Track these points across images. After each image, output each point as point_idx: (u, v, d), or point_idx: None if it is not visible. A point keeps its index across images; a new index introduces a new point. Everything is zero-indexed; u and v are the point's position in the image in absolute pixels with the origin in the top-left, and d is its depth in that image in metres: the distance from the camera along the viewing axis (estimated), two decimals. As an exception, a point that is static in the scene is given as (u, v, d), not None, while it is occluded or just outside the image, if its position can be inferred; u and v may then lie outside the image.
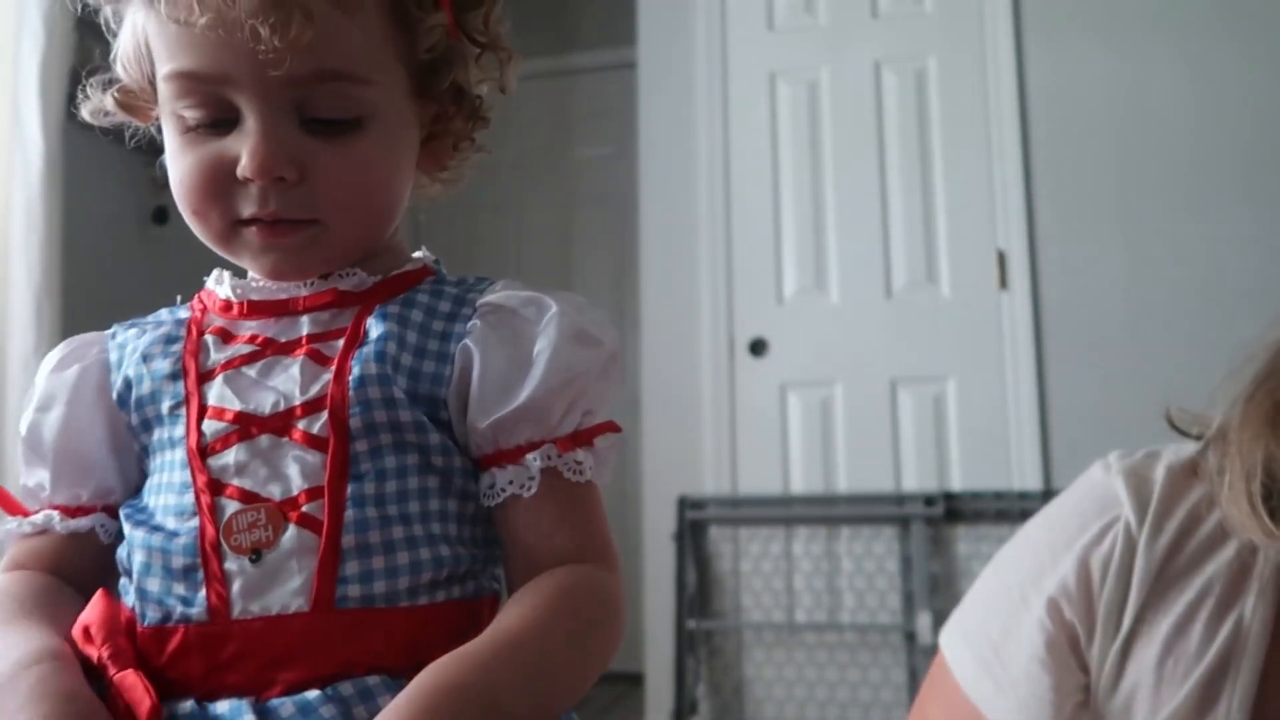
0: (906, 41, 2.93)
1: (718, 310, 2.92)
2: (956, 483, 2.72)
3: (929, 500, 2.63)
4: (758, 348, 2.88)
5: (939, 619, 2.48)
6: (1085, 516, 0.63)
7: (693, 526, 2.75)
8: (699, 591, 2.74)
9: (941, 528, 2.64)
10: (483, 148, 0.67)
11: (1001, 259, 2.77)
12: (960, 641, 0.66)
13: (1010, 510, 2.56)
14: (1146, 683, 0.58)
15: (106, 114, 0.62)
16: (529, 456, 0.56)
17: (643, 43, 3.13)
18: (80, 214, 2.33)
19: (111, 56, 0.61)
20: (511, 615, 0.53)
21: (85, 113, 0.63)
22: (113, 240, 2.65)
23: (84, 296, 2.33)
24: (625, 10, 3.24)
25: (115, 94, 0.62)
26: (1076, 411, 2.65)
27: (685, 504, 2.74)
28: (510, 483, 0.56)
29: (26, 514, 0.60)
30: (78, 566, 0.59)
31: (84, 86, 0.62)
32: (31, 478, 0.60)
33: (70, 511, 0.59)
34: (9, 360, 2.12)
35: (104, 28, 0.61)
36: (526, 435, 0.57)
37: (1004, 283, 2.76)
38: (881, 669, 2.63)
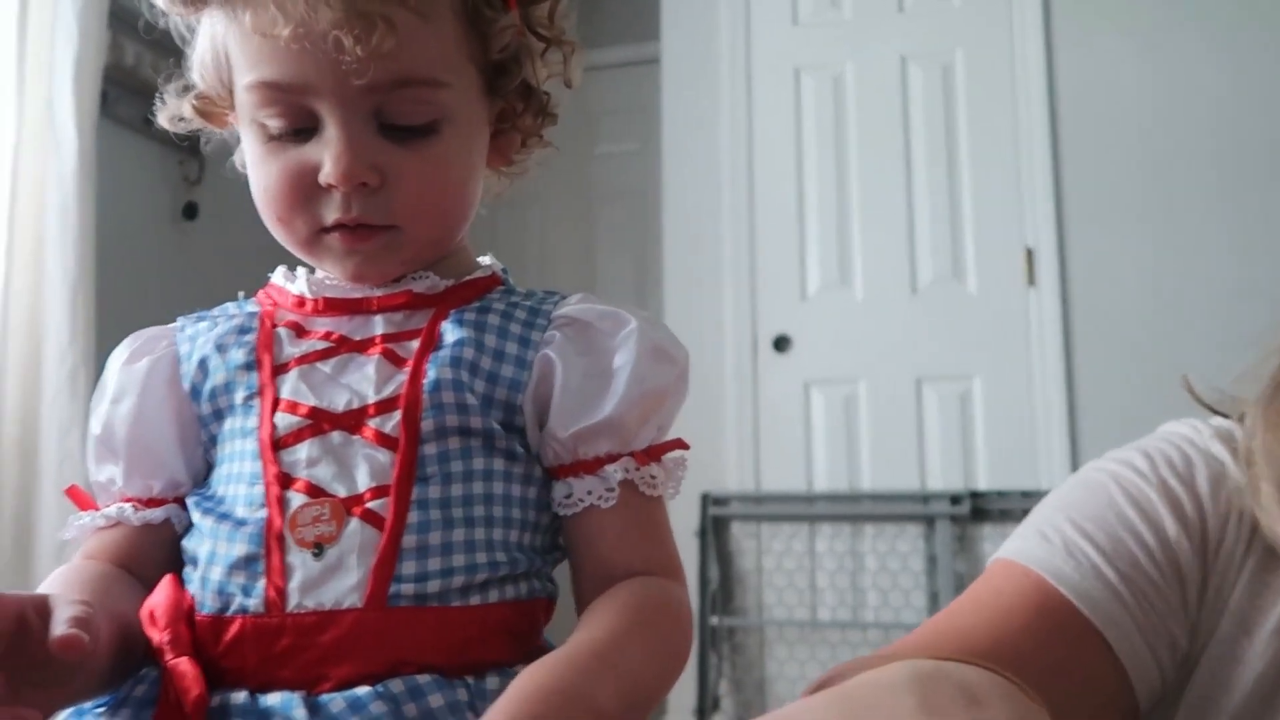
0: (933, 35, 2.91)
1: (740, 306, 2.92)
2: (982, 481, 2.70)
3: (954, 499, 2.61)
4: (781, 344, 2.88)
5: (963, 617, 2.47)
6: (1177, 458, 0.60)
7: (715, 523, 2.75)
8: (722, 588, 2.74)
9: (967, 527, 2.63)
10: (549, 143, 0.68)
11: (1030, 255, 2.74)
12: (1025, 533, 0.61)
13: (1036, 509, 2.54)
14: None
15: (182, 120, 0.63)
16: (608, 468, 0.58)
17: (666, 38, 3.13)
18: (113, 210, 2.36)
19: (188, 64, 0.62)
20: (595, 625, 0.54)
21: (162, 119, 0.64)
22: (144, 235, 2.68)
23: (117, 290, 2.36)
24: (649, 5, 3.24)
25: (193, 101, 0.63)
26: (1106, 409, 2.62)
27: (708, 500, 2.74)
28: (589, 493, 0.58)
29: (98, 509, 0.61)
30: (151, 557, 0.59)
31: (160, 94, 0.63)
32: (102, 473, 0.61)
33: (143, 503, 0.60)
34: (45, 353, 2.15)
35: (175, 36, 0.62)
36: (605, 448, 0.58)
37: (1032, 279, 2.74)
38: (905, 667, 2.62)
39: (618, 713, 0.49)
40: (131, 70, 2.51)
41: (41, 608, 0.47)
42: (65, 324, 2.14)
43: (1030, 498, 2.57)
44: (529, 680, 0.48)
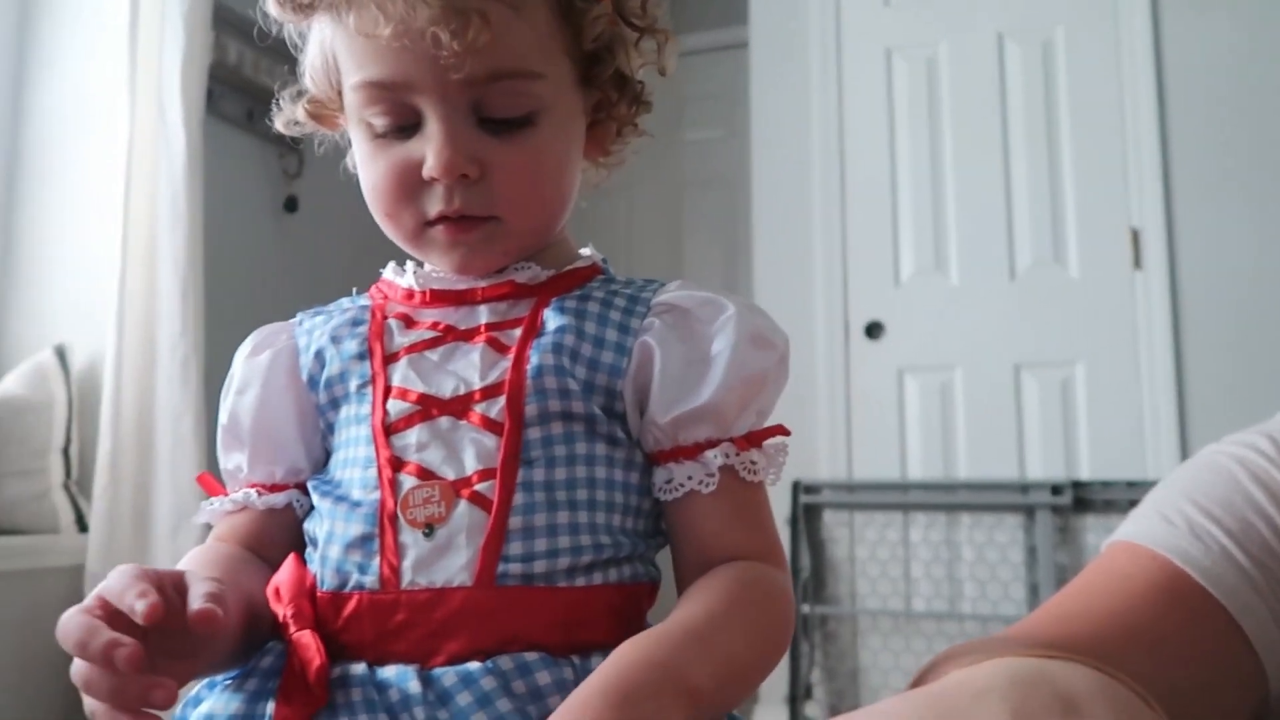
0: (1032, 11, 2.81)
1: (832, 293, 2.88)
2: (1085, 471, 2.62)
3: (1056, 489, 2.53)
4: (874, 331, 2.83)
5: (1064, 611, 2.40)
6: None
7: (807, 511, 2.73)
8: (813, 576, 2.72)
9: (1069, 517, 2.55)
10: (645, 131, 0.69)
11: (1135, 237, 2.64)
12: (1144, 515, 0.59)
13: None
14: None
15: (297, 124, 0.66)
16: (708, 454, 0.58)
17: (755, 21, 3.10)
18: (219, 204, 2.45)
19: (300, 70, 0.65)
20: (694, 605, 0.54)
21: (279, 124, 0.67)
22: (248, 228, 2.78)
23: (223, 282, 2.45)
24: (738, -10, 3.21)
25: (305, 105, 0.65)
26: (1217, 396, 2.51)
27: (799, 488, 2.72)
28: (689, 478, 0.58)
29: (227, 495, 0.64)
30: (275, 540, 0.63)
31: (277, 100, 0.66)
32: (230, 461, 0.65)
33: (267, 488, 0.63)
34: (158, 344, 2.25)
35: (289, 44, 0.65)
36: (705, 433, 0.58)
37: (1138, 262, 2.63)
38: (1003, 660, 2.56)
39: (710, 691, 0.50)
40: (234, 68, 2.60)
41: (178, 584, 0.50)
42: (177, 316, 2.23)
43: (1136, 488, 2.48)
44: (625, 654, 0.49)
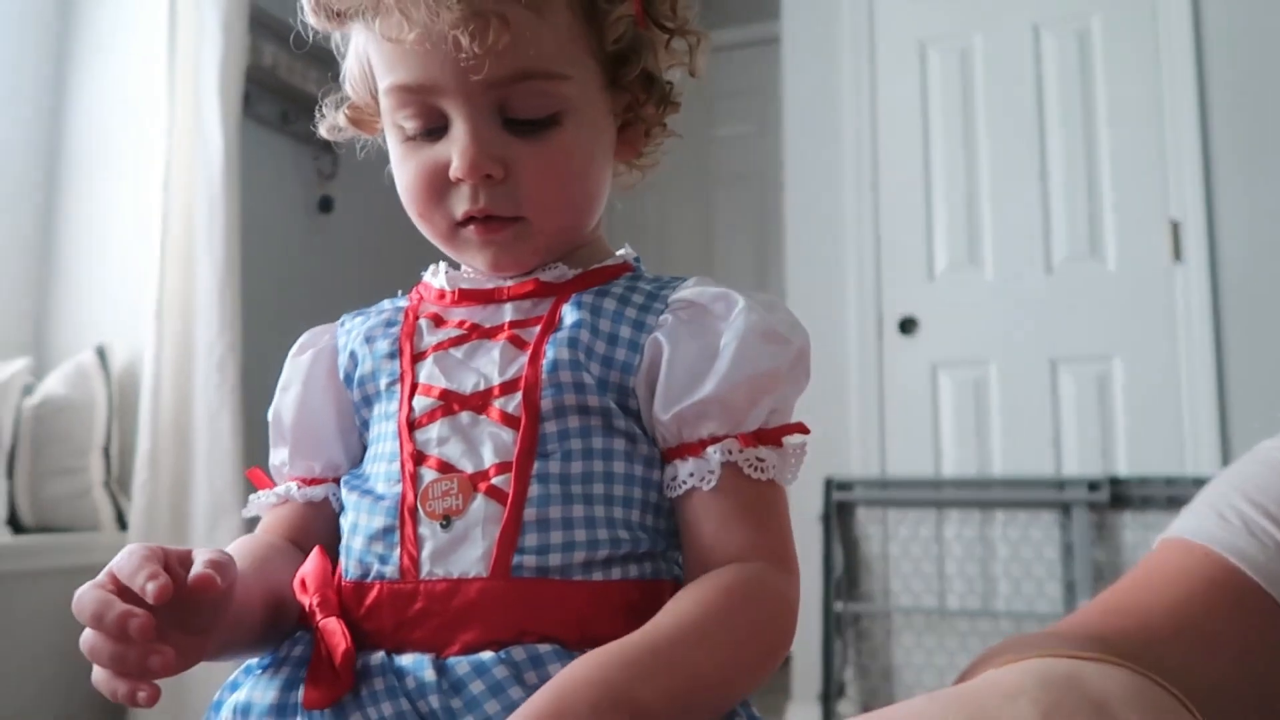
0: (1067, 0, 2.77)
1: (865, 288, 2.86)
2: (1123, 467, 2.58)
3: (1093, 485, 2.50)
4: (907, 326, 2.81)
5: (1103, 609, 2.37)
6: None
7: (840, 508, 2.71)
8: (846, 574, 2.70)
9: (1106, 514, 2.51)
10: (674, 132, 0.69)
11: (1175, 229, 2.59)
12: (1198, 511, 0.59)
13: (1183, 497, 2.40)
14: None
15: (340, 130, 0.68)
16: (710, 450, 0.57)
17: (786, 16, 3.08)
18: (255, 204, 2.48)
19: (341, 77, 0.67)
20: (668, 612, 0.53)
21: (322, 130, 0.69)
22: (283, 229, 2.81)
23: (259, 282, 2.48)
24: (769, -16, 3.19)
25: (346, 111, 0.67)
26: (1258, 391, 2.46)
27: (832, 485, 2.71)
28: (691, 475, 0.58)
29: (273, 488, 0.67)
30: (314, 532, 0.65)
31: (320, 106, 0.68)
32: (276, 456, 0.67)
33: (306, 482, 0.66)
34: (196, 342, 2.29)
35: (334, 52, 0.67)
36: (710, 429, 0.58)
37: (1178, 254, 2.59)
38: (1040, 659, 2.53)
39: (663, 712, 0.48)
40: (270, 71, 2.63)
41: (184, 559, 0.52)
42: (214, 316, 2.27)
43: (1175, 484, 2.44)
44: (570, 672, 0.49)
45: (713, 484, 0.57)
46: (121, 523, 2.25)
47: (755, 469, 0.57)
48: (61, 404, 2.23)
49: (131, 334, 2.36)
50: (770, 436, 0.58)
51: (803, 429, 0.60)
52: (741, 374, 0.57)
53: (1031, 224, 2.73)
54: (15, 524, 2.18)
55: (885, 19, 2.94)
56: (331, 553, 0.61)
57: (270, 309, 2.51)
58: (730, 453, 0.57)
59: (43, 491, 2.21)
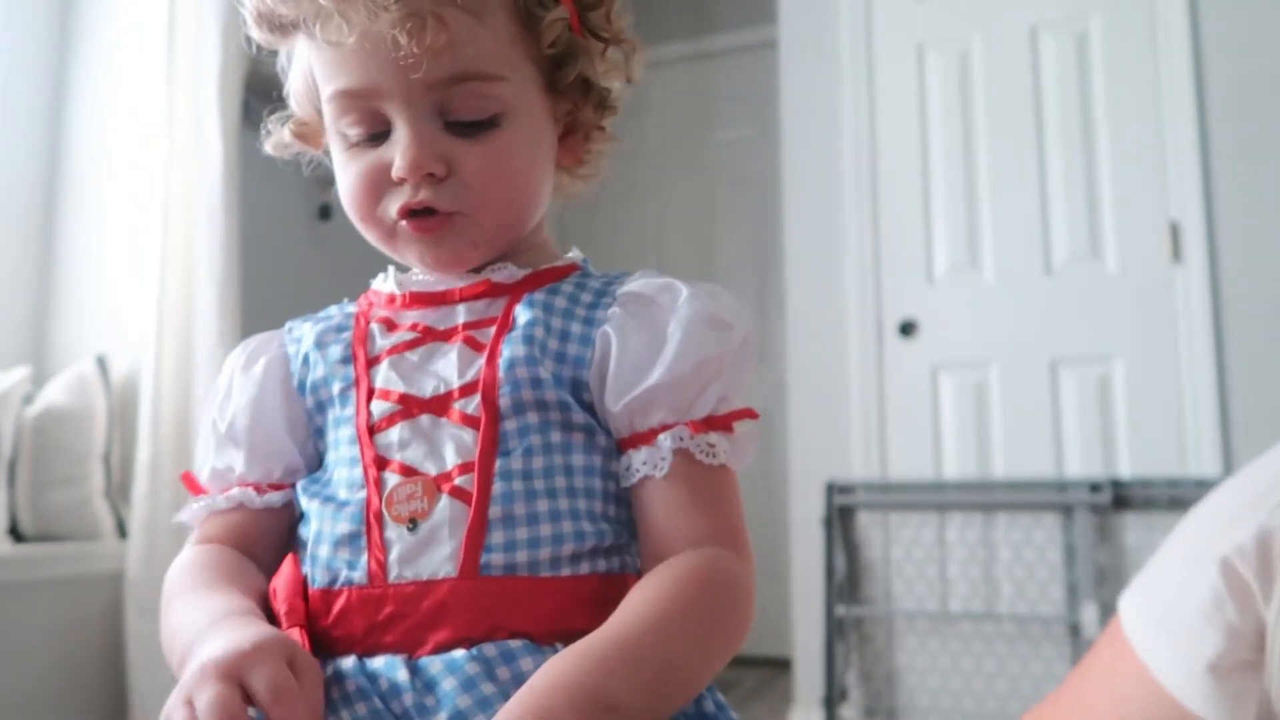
0: (1065, 2, 2.77)
1: (865, 291, 2.86)
2: (1125, 469, 2.58)
3: (1094, 487, 2.49)
4: (907, 329, 2.81)
5: (1105, 611, 2.36)
6: (1273, 482, 0.58)
7: (841, 512, 2.71)
8: (848, 578, 2.70)
9: (1108, 516, 2.51)
10: (614, 136, 0.70)
11: (1174, 230, 2.59)
12: (1137, 603, 0.61)
13: (1185, 499, 2.41)
14: None
15: (286, 146, 0.70)
16: (661, 437, 0.58)
17: (784, 20, 3.09)
18: (254, 212, 2.49)
19: (285, 94, 0.68)
20: (632, 605, 0.54)
21: (268, 146, 0.70)
22: (283, 236, 2.81)
23: (260, 290, 2.49)
24: (766, -11, 3.20)
25: (291, 126, 0.69)
26: (1259, 392, 2.46)
27: (833, 489, 2.70)
28: (644, 463, 0.58)
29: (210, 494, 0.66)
30: (267, 540, 0.64)
31: (264, 123, 0.69)
32: (221, 460, 0.66)
33: (266, 487, 0.65)
34: (196, 351, 2.29)
35: (279, 72, 0.68)
36: (660, 417, 0.59)
37: (1178, 255, 2.59)
38: (1043, 661, 2.53)
39: (639, 705, 0.49)
40: (269, 79, 2.63)
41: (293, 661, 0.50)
42: (214, 325, 2.26)
43: (1177, 486, 2.43)
44: (544, 676, 0.49)
45: (665, 470, 0.58)
46: (122, 531, 2.25)
47: (707, 454, 0.58)
48: (61, 413, 2.23)
49: (131, 343, 2.36)
50: (720, 422, 0.59)
51: (752, 414, 0.61)
52: (688, 361, 0.58)
53: (1031, 226, 2.73)
54: (16, 533, 2.18)
55: (883, 22, 2.94)
56: (280, 559, 0.61)
57: (270, 317, 2.50)
58: (681, 439, 0.58)
59: (43, 501, 2.21)
